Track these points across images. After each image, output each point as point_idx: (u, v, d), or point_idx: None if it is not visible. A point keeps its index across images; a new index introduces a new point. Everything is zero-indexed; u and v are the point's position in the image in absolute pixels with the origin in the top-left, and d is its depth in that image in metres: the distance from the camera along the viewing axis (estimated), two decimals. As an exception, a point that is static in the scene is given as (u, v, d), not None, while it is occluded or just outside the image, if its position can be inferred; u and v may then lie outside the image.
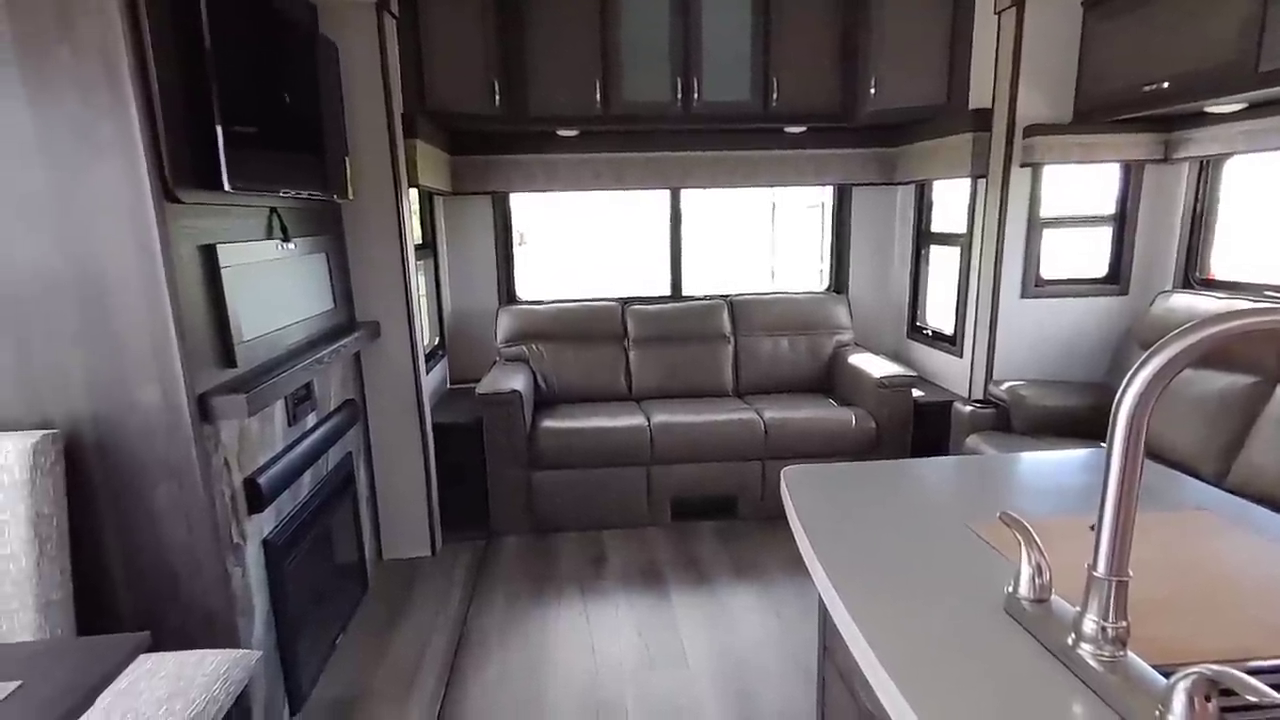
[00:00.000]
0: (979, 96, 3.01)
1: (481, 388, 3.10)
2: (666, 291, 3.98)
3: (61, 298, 1.52)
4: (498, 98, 3.10)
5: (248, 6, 1.81)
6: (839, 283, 4.06)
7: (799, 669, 2.20)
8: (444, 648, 2.35)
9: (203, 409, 1.63)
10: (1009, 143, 2.88)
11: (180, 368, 1.57)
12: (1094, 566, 0.70)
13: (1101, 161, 2.89)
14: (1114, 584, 0.68)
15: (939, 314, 3.67)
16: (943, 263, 3.61)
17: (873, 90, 3.20)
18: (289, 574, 2.01)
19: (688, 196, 3.90)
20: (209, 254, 1.71)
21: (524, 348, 3.59)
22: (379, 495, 2.90)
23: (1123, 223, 3.04)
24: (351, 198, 2.52)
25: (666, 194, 3.87)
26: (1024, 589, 0.82)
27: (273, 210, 2.08)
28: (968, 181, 3.20)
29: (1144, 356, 0.65)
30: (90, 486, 1.60)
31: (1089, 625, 0.71)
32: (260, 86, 1.88)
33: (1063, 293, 3.06)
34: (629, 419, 3.21)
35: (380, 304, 2.74)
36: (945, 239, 3.56)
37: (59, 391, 1.56)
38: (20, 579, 1.47)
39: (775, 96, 3.25)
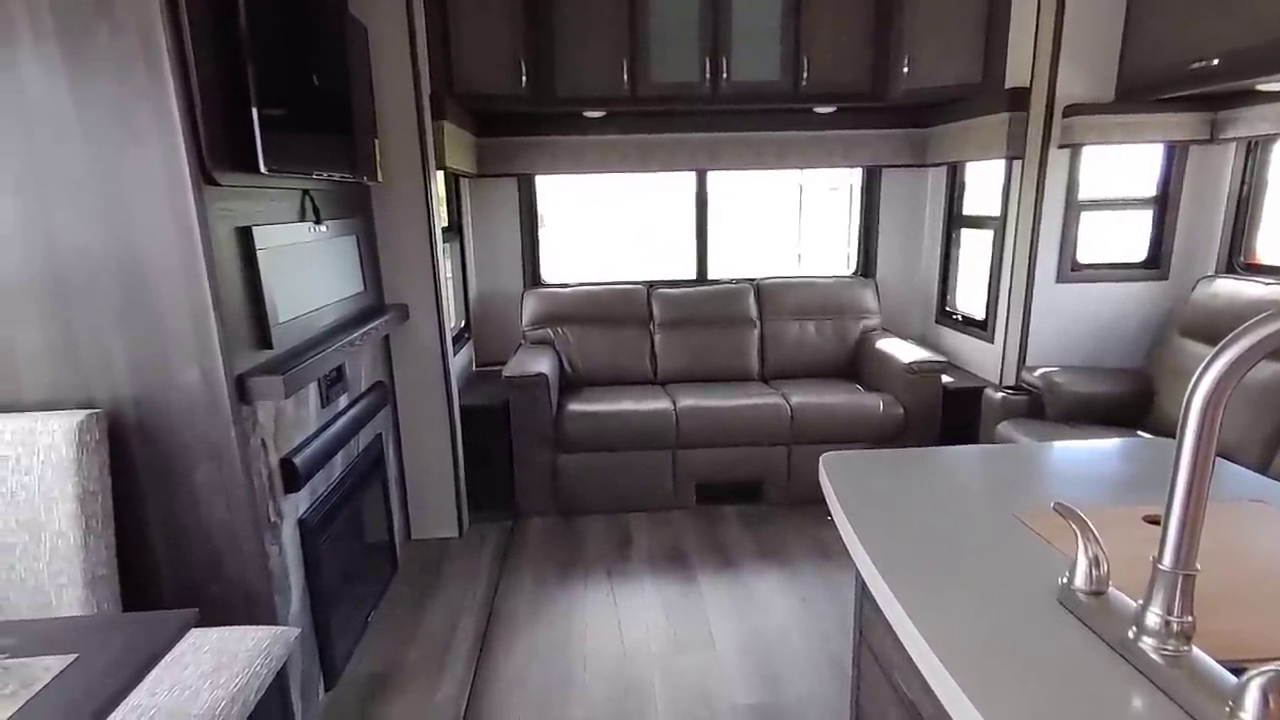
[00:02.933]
0: (1016, 76, 2.93)
1: (508, 370, 3.11)
2: (692, 275, 3.95)
3: (104, 279, 1.54)
4: (525, 79, 3.08)
5: (281, -14, 1.80)
6: (866, 267, 4.00)
7: (825, 654, 2.20)
8: (474, 626, 2.38)
9: (241, 390, 1.65)
10: (1047, 123, 2.81)
11: (219, 349, 1.59)
12: (1160, 560, 0.68)
13: (1144, 142, 2.81)
14: (1181, 578, 0.67)
15: (969, 299, 3.61)
16: (974, 246, 3.54)
17: (905, 69, 3.13)
18: (323, 553, 2.05)
19: (714, 179, 3.86)
20: (245, 236, 1.72)
21: (549, 330, 3.59)
22: (407, 476, 2.93)
23: (1164, 205, 2.96)
24: (380, 180, 2.52)
25: (693, 176, 3.83)
26: (1080, 581, 0.80)
27: (305, 193, 2.08)
28: (1002, 163, 3.13)
29: (1220, 345, 0.63)
30: (133, 466, 1.63)
31: (1152, 619, 0.69)
32: (293, 68, 1.88)
33: (1100, 277, 2.99)
34: (655, 402, 3.20)
35: (409, 287, 2.75)
36: (978, 222, 3.49)
37: (102, 372, 1.58)
38: (69, 554, 1.50)
39: (805, 76, 3.19)
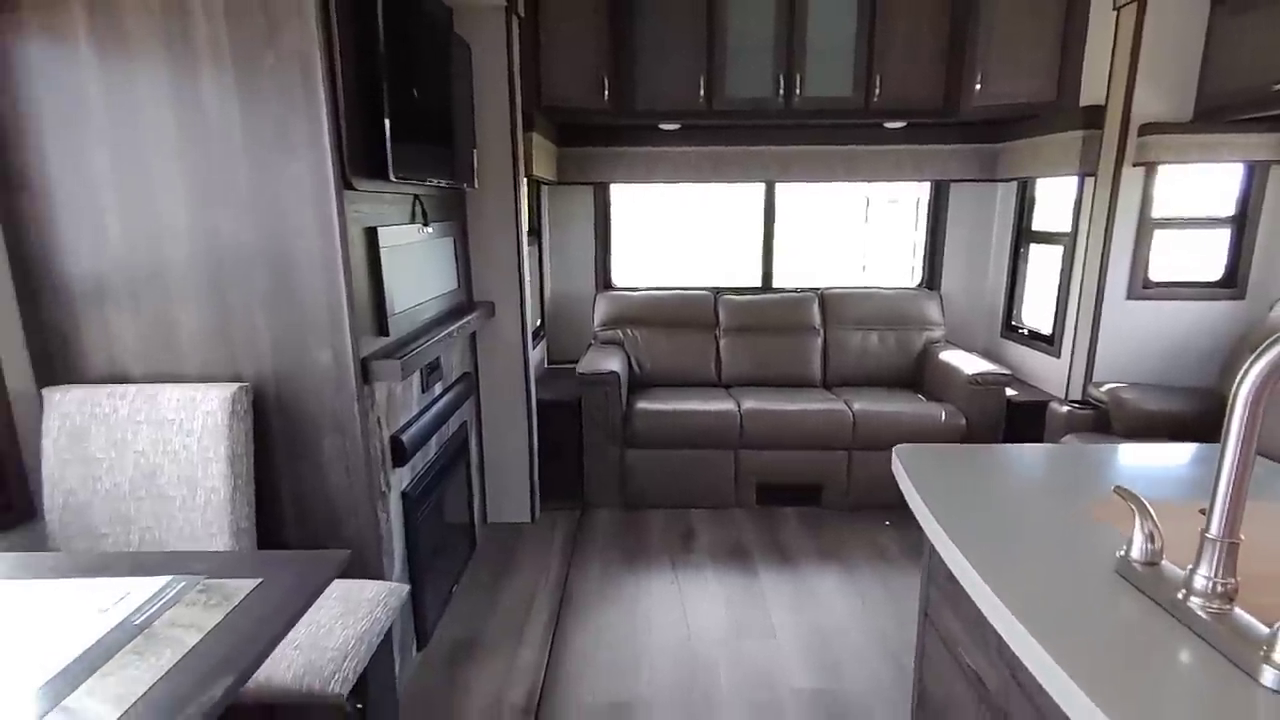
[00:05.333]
0: (1091, 93, 2.97)
1: (581, 368, 3.29)
2: (757, 282, 4.07)
3: (256, 270, 1.77)
4: (606, 93, 3.27)
5: (409, 12, 2.01)
6: (931, 279, 4.05)
7: (883, 649, 2.29)
8: (548, 604, 2.55)
9: (364, 371, 1.86)
10: (1122, 141, 2.83)
11: (349, 334, 1.80)
12: (1207, 529, 0.78)
13: (1222, 161, 2.81)
14: (1225, 544, 0.77)
15: (1036, 313, 3.63)
16: (1043, 261, 3.56)
17: (978, 85, 3.19)
18: (419, 525, 2.25)
19: (781, 190, 3.98)
20: (371, 236, 1.93)
21: (619, 332, 3.76)
22: (486, 463, 3.13)
23: (1242, 225, 2.95)
24: (476, 187, 2.73)
25: (760, 187, 3.96)
26: (1136, 553, 0.90)
27: (416, 197, 2.30)
28: (1074, 179, 3.15)
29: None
30: (270, 434, 1.85)
31: (1199, 581, 0.79)
32: (414, 85, 2.09)
33: (1172, 295, 2.99)
34: (719, 404, 3.33)
35: (495, 286, 2.95)
36: (1047, 237, 3.51)
37: (250, 350, 1.81)
38: (219, 506, 1.73)
39: (877, 92, 3.29)
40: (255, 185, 1.72)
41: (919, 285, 4.11)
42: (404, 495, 2.16)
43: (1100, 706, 0.69)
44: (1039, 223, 3.66)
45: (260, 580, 1.18)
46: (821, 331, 3.79)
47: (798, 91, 3.29)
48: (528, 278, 3.10)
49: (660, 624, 2.44)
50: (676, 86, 3.32)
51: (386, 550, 2.03)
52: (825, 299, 3.84)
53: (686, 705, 2.03)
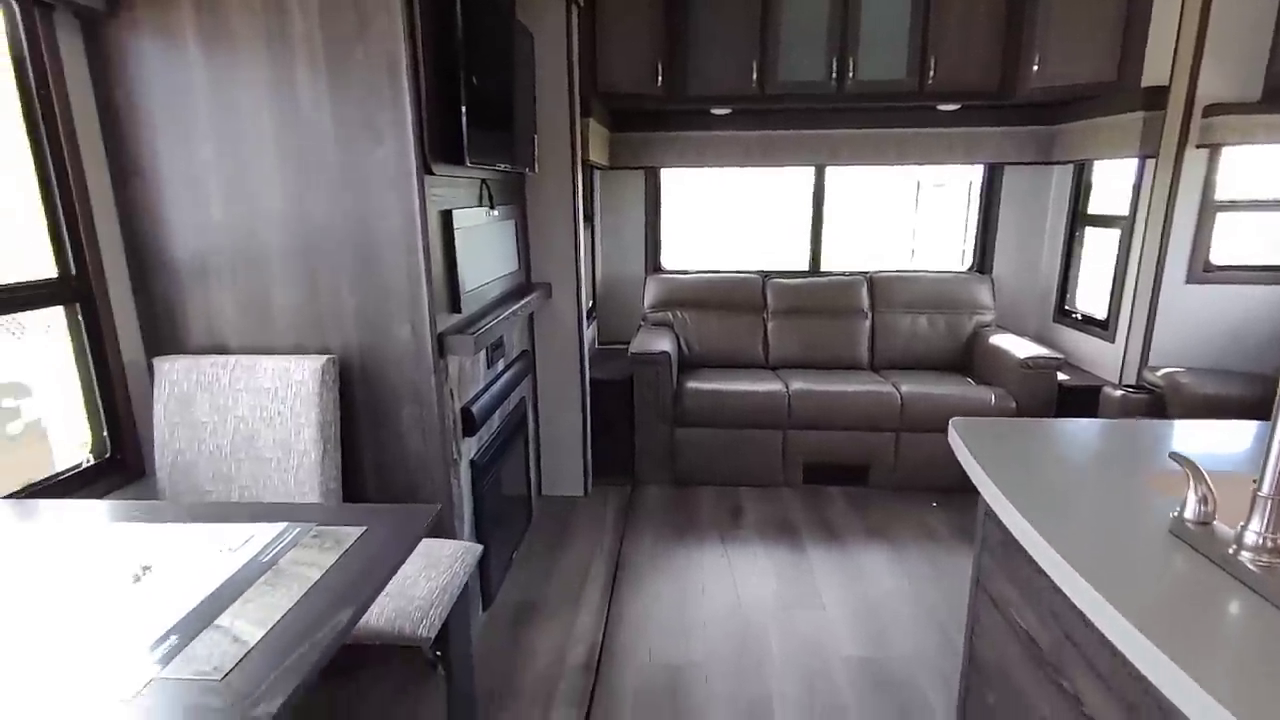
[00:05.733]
0: (1154, 74, 2.92)
1: (634, 348, 3.38)
2: (805, 266, 4.10)
3: (343, 250, 1.90)
4: (660, 79, 3.33)
5: (483, 6, 2.11)
6: (983, 263, 4.03)
7: (930, 621, 2.35)
8: (603, 572, 2.67)
9: (440, 345, 1.99)
10: (1185, 122, 2.79)
11: (427, 310, 1.92)
12: (1259, 488, 0.84)
13: (1292, 142, 2.74)
14: (1276, 501, 0.82)
15: (1090, 297, 3.59)
16: (1099, 245, 3.52)
17: (1035, 67, 3.16)
18: (485, 492, 2.38)
19: (831, 173, 3.99)
20: (447, 218, 2.05)
21: (669, 314, 3.85)
22: (542, 438, 3.26)
23: (1312, 207, 2.88)
24: (536, 171, 2.83)
25: (810, 170, 3.98)
26: (1190, 513, 0.96)
27: (483, 181, 2.41)
28: (1133, 161, 3.11)
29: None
30: (354, 403, 1.99)
31: (1250, 537, 0.85)
32: (485, 74, 2.19)
33: (1235, 279, 2.94)
34: (768, 385, 3.40)
35: (553, 268, 3.06)
36: (1104, 221, 3.47)
37: (337, 324, 1.95)
38: (310, 468, 1.88)
39: (932, 75, 3.28)
40: (343, 171, 1.84)
41: (969, 269, 4.09)
42: (472, 464, 2.29)
43: (1156, 644, 0.76)
44: (1095, 206, 3.61)
45: (365, 529, 1.31)
46: (870, 315, 3.81)
47: (850, 75, 3.31)
48: (583, 260, 3.20)
49: (711, 593, 2.53)
50: (729, 72, 3.36)
51: (458, 514, 2.16)
52: (874, 282, 3.86)
53: (739, 668, 2.13)
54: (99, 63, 1.80)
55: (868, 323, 3.81)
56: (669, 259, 4.18)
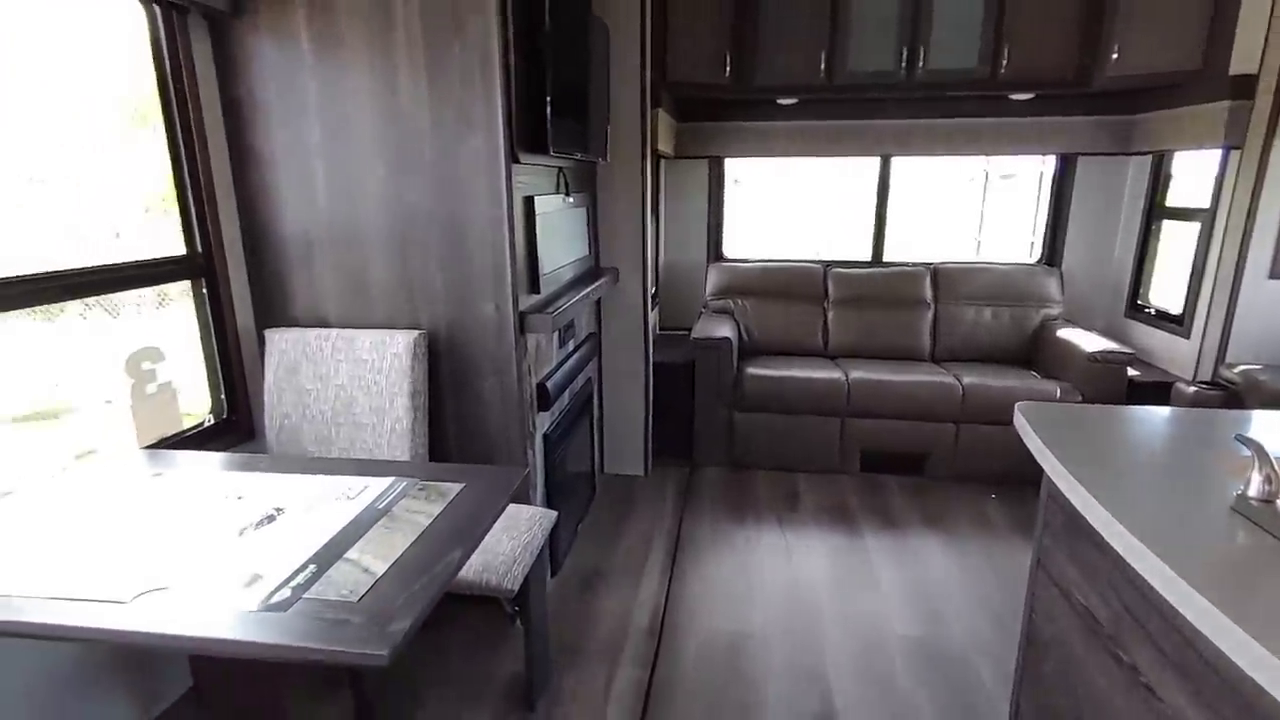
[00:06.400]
0: (1243, 61, 2.83)
1: (695, 333, 3.47)
2: (867, 256, 4.11)
3: (434, 233, 2.04)
4: (728, 69, 3.39)
5: (567, 2, 2.22)
6: (1052, 255, 3.96)
7: (985, 607, 2.38)
8: (664, 547, 2.78)
9: (520, 323, 2.12)
10: (1275, 112, 2.71)
11: (510, 289, 2.05)
12: (1321, 466, 0.88)
13: (1390, 132, 2.63)
14: (1337, 479, 0.87)
15: (1165, 292, 3.50)
16: (1176, 239, 3.43)
17: (1114, 55, 3.10)
18: (555, 465, 2.52)
19: (896, 162, 3.98)
20: (529, 204, 2.17)
21: (729, 301, 3.92)
22: (606, 418, 3.39)
23: None
24: (608, 160, 2.94)
25: (876, 160, 3.97)
26: (1254, 491, 1.00)
27: (560, 170, 2.53)
28: (1217, 153, 3.03)
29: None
30: (440, 375, 2.14)
31: (1311, 513, 0.89)
32: (567, 67, 2.30)
33: (1323, 275, 2.84)
34: (827, 372, 3.44)
35: (620, 254, 3.17)
36: (1182, 214, 3.38)
37: (428, 301, 2.10)
38: (403, 434, 2.04)
39: (1005, 63, 3.25)
40: (437, 158, 1.98)
41: (1038, 261, 4.03)
42: (545, 437, 2.43)
43: (1218, 607, 0.82)
44: (1174, 198, 3.51)
45: (463, 485, 1.44)
46: (932, 306, 3.80)
47: (921, 64, 3.30)
48: (649, 247, 3.30)
49: (769, 570, 2.62)
50: (797, 62, 3.39)
51: (532, 483, 2.30)
52: (938, 273, 3.85)
53: (796, 640, 2.21)
54: (223, 60, 1.98)
55: (930, 314, 3.80)
56: (730, 247, 4.24)
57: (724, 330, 3.50)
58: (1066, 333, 3.46)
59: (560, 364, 2.59)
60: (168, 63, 1.87)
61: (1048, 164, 3.99)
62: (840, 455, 3.45)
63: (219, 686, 1.34)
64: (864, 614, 2.36)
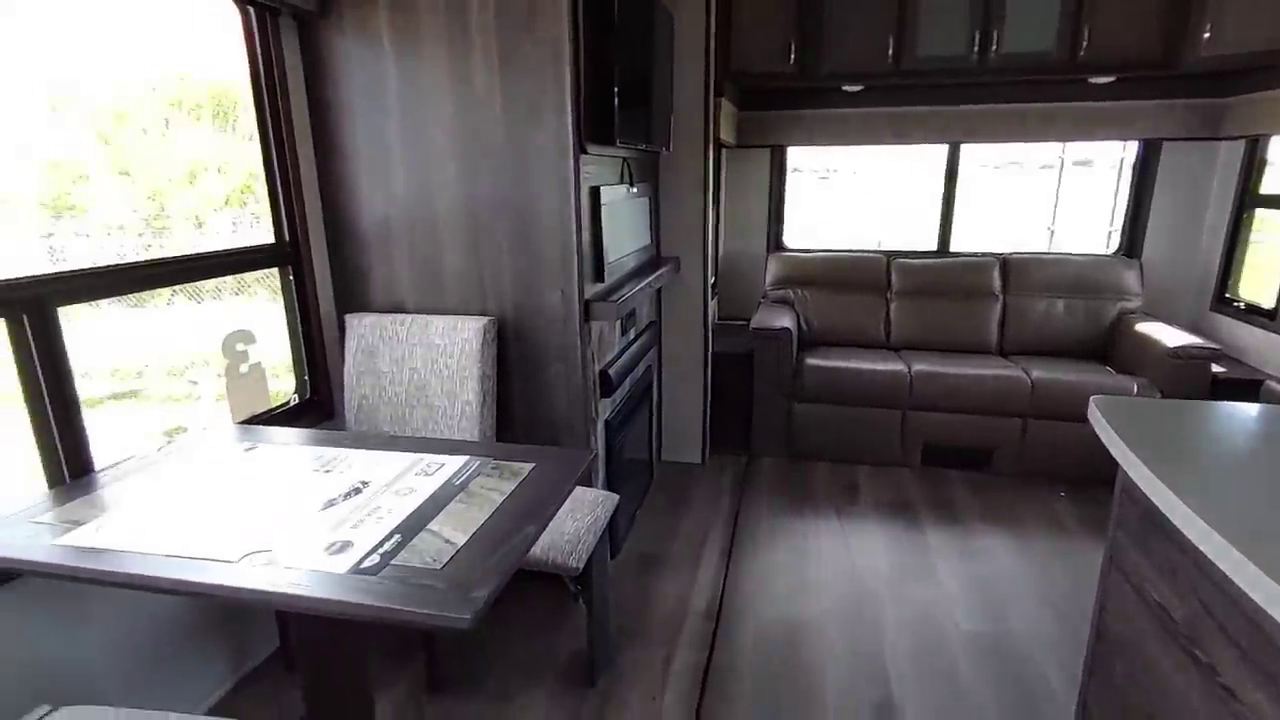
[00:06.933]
0: (1351, 38, 2.65)
1: (755, 323, 3.47)
2: (933, 245, 4.02)
3: (504, 222, 2.11)
4: (793, 57, 3.36)
5: (635, -5, 2.25)
6: (1131, 246, 3.79)
7: (1053, 607, 2.32)
8: (721, 534, 2.81)
9: (586, 310, 2.17)
10: (1386, 92, 2.53)
11: (576, 277, 2.10)
12: None
13: None
14: None
15: (1257, 285, 3.32)
16: (1270, 229, 3.24)
17: (1206, 34, 2.94)
18: (616, 451, 2.57)
19: (965, 150, 3.87)
20: (595, 194, 2.22)
21: (789, 291, 3.89)
22: (664, 406, 3.43)
23: None
24: (671, 150, 2.96)
25: (943, 148, 3.87)
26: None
27: (624, 160, 2.57)
28: (1320, 136, 2.84)
29: None
30: (508, 360, 2.22)
31: None
32: (634, 58, 2.33)
33: None
34: (889, 364, 3.39)
35: (681, 243, 3.19)
36: (1278, 202, 3.19)
37: (496, 288, 2.17)
38: (471, 416, 2.12)
39: (1085, 45, 3.12)
40: (508, 150, 2.05)
41: (1115, 252, 3.86)
42: (607, 423, 2.48)
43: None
44: (1270, 185, 3.31)
45: (534, 465, 1.50)
46: (1001, 297, 3.70)
47: (994, 48, 3.20)
48: (710, 236, 3.31)
49: (827, 560, 2.62)
50: (864, 48, 3.33)
51: (594, 468, 2.36)
52: (1008, 264, 3.73)
53: (855, 630, 2.21)
54: (310, 57, 2.09)
55: (998, 306, 3.70)
56: (791, 237, 4.20)
57: (784, 320, 3.48)
58: (1145, 326, 3.32)
59: (622, 352, 2.63)
60: (260, 62, 1.99)
61: (1128, 150, 3.81)
62: (901, 448, 3.40)
63: (304, 647, 1.43)
64: (925, 607, 2.34)
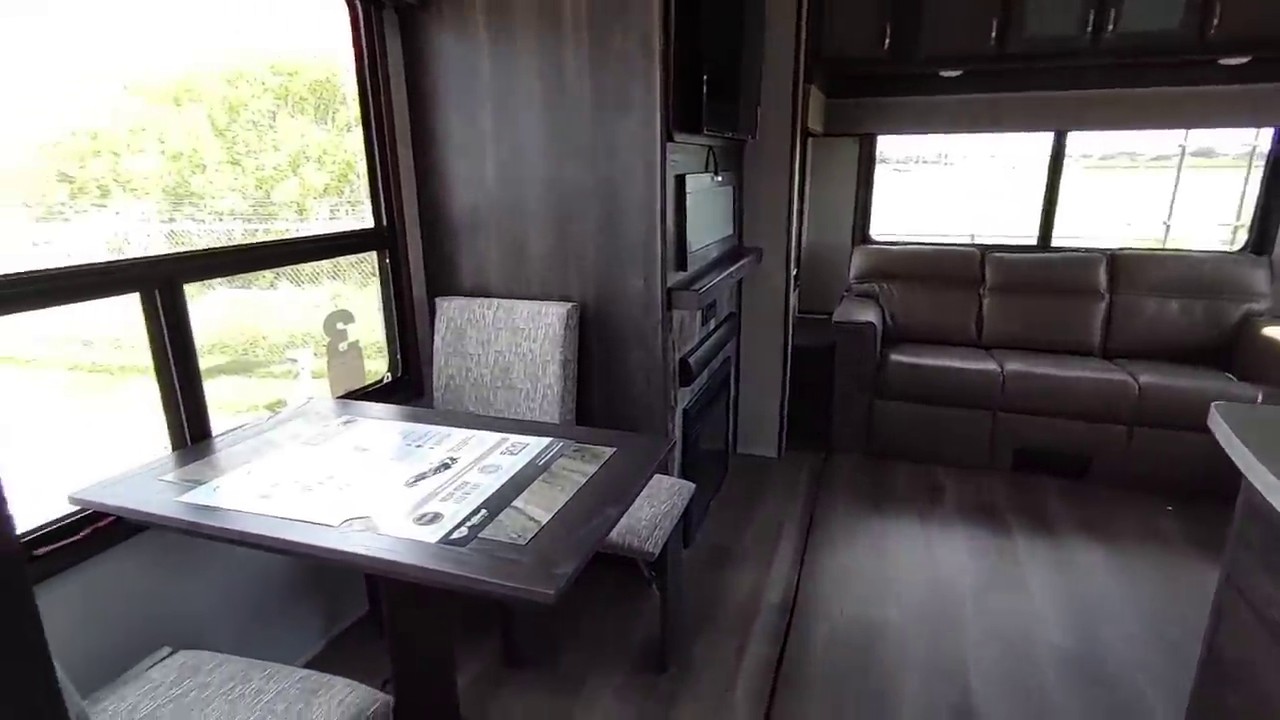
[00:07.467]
0: None
1: (837, 316, 3.39)
2: (1033, 239, 3.81)
3: (590, 209, 2.14)
4: (888, 41, 3.24)
5: (726, -19, 2.22)
6: (1261, 242, 3.47)
7: (1153, 627, 2.17)
8: (796, 530, 2.77)
9: (668, 299, 2.17)
10: None
11: (659, 265, 2.11)
12: None
13: None
14: None
15: None
16: None
17: (1361, 9, 2.65)
18: (693, 440, 2.57)
19: (1072, 138, 3.64)
20: (680, 182, 2.21)
21: (874, 285, 3.78)
22: (741, 398, 3.40)
23: None
24: (757, 139, 2.92)
25: (1047, 136, 3.65)
26: None
27: (710, 148, 2.55)
28: None
29: None
30: (589, 346, 2.25)
31: None
32: (723, 46, 2.31)
33: None
34: (980, 363, 3.25)
35: (764, 234, 3.14)
36: None
37: (580, 274, 2.21)
38: (552, 400, 2.16)
39: (1216, 23, 2.87)
40: (596, 137, 2.07)
41: (1241, 249, 3.55)
42: (684, 412, 2.48)
43: None
44: None
45: (614, 449, 1.52)
46: (1107, 296, 3.47)
47: (1110, 27, 2.98)
48: (794, 228, 3.25)
49: (907, 562, 2.54)
50: (963, 30, 3.18)
51: (670, 456, 2.37)
52: (1116, 260, 3.49)
53: (935, 636, 2.14)
54: (410, 49, 2.17)
55: (1103, 305, 3.47)
56: (877, 228, 4.07)
57: (868, 315, 3.39)
58: (1276, 330, 3.04)
59: (702, 341, 2.62)
60: (365, 54, 2.08)
61: (1261, 138, 3.49)
62: (990, 451, 3.25)
63: (394, 611, 1.51)
64: (1012, 619, 2.23)
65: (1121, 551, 2.62)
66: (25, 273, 1.34)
